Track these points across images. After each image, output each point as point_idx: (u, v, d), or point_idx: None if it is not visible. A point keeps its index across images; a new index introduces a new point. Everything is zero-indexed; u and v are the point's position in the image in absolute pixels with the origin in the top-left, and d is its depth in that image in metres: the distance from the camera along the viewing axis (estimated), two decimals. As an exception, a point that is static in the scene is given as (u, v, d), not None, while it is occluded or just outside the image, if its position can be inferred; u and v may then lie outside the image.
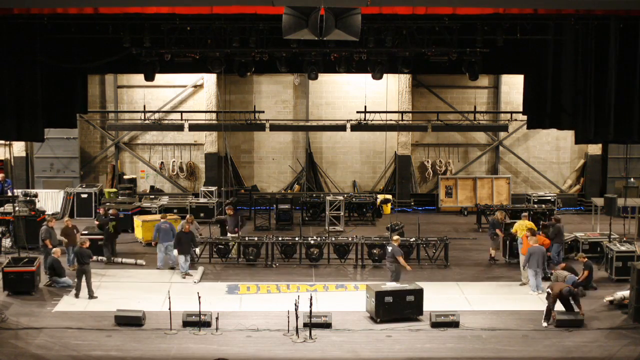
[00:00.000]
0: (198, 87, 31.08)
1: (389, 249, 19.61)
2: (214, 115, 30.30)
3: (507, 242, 22.52)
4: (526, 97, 21.38)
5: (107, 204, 26.02)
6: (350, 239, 23.07)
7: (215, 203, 28.14)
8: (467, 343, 16.67)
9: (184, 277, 20.89)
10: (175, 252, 21.26)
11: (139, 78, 27.43)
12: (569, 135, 29.80)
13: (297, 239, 22.81)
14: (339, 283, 20.82)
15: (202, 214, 27.52)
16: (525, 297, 19.78)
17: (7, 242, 23.54)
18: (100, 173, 31.80)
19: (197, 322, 17.22)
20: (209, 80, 30.51)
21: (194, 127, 28.51)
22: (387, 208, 29.38)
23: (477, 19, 19.57)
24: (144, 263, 22.31)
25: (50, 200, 28.72)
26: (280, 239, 22.65)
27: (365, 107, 27.93)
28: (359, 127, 28.07)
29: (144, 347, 16.36)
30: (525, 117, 22.54)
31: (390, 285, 18.17)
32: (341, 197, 27.35)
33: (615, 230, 23.64)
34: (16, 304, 18.82)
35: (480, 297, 19.70)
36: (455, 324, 17.45)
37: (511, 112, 29.06)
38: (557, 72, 19.82)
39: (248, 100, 30.92)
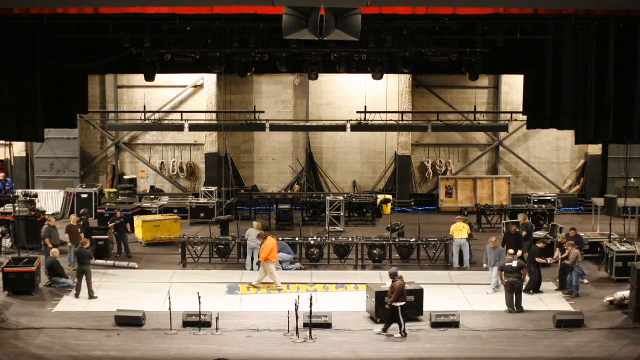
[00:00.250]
0: (198, 87, 31.08)
1: (514, 264, 18.68)
2: (214, 115, 30.30)
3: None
4: (526, 97, 21.38)
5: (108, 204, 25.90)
6: (350, 239, 23.07)
7: (215, 203, 28.14)
8: (467, 343, 16.67)
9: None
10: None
11: (139, 78, 27.44)
12: (569, 135, 29.80)
13: (297, 239, 22.81)
14: (339, 283, 20.82)
15: (202, 214, 27.52)
16: (526, 297, 19.75)
17: (7, 242, 23.54)
18: (100, 173, 31.80)
19: (197, 322, 17.22)
20: (209, 80, 30.52)
21: (194, 127, 28.51)
22: (387, 208, 29.38)
23: (477, 19, 19.57)
24: (135, 266, 22.20)
25: (50, 200, 28.72)
26: (280, 239, 22.63)
27: (365, 107, 27.93)
28: (359, 127, 28.07)
29: (144, 347, 16.36)
30: (525, 117, 22.54)
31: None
32: (341, 197, 27.35)
33: (615, 230, 23.64)
34: (16, 304, 18.81)
35: (480, 297, 19.70)
36: (455, 324, 17.45)
37: (511, 112, 29.06)
38: (557, 72, 19.82)
39: (248, 100, 30.92)
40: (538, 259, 19.91)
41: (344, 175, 31.88)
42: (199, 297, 17.26)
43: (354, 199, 28.49)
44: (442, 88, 31.20)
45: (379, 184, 31.81)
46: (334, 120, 30.30)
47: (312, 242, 22.70)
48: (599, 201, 26.74)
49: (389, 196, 29.88)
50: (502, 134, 31.26)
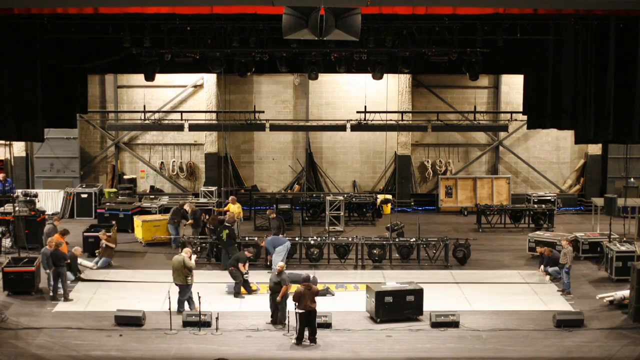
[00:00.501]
0: (198, 87, 31.08)
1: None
2: (214, 115, 30.30)
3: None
4: (526, 97, 21.37)
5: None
6: (350, 239, 23.07)
7: (215, 203, 28.13)
8: (467, 343, 16.68)
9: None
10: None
11: (139, 78, 27.43)
12: (569, 135, 29.79)
13: (297, 239, 22.81)
14: (339, 283, 20.81)
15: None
16: (526, 297, 19.80)
17: (7, 242, 23.54)
18: (100, 173, 31.79)
19: (197, 322, 17.21)
20: (209, 80, 30.51)
21: (194, 127, 28.50)
22: (387, 208, 29.37)
23: (477, 19, 19.57)
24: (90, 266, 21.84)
25: (50, 200, 28.71)
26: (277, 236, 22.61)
27: (365, 107, 27.93)
28: (359, 127, 28.06)
29: (144, 347, 16.37)
30: (525, 117, 22.54)
31: (390, 285, 18.17)
32: (341, 197, 27.34)
33: (615, 230, 23.63)
34: (16, 304, 18.82)
35: (480, 297, 19.71)
36: (455, 324, 17.46)
37: (511, 112, 29.04)
38: (557, 72, 19.82)
39: (248, 100, 30.92)
40: None
41: (344, 175, 31.88)
42: (199, 297, 17.25)
43: (354, 199, 28.48)
44: (442, 88, 31.19)
45: (379, 184, 31.81)
46: (334, 120, 30.29)
47: (312, 242, 22.70)
48: (599, 201, 26.73)
49: (389, 196, 29.87)
50: (502, 134, 31.25)
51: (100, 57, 20.77)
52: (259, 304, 19.11)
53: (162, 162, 31.60)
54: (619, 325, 17.76)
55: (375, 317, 17.73)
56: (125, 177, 31.10)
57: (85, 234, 23.50)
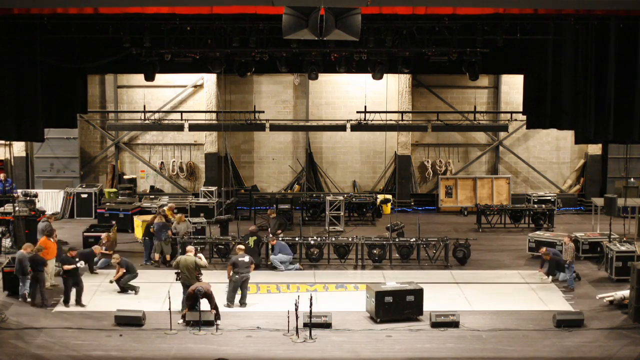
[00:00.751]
0: (198, 87, 31.08)
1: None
2: (214, 115, 30.30)
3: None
4: (526, 97, 21.39)
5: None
6: (350, 239, 23.07)
7: (215, 203, 28.15)
8: (467, 343, 16.68)
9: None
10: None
11: (139, 78, 27.44)
12: (569, 135, 29.79)
13: (297, 239, 22.81)
14: (339, 283, 20.81)
15: (202, 214, 27.49)
16: (526, 297, 19.79)
17: (7, 242, 23.53)
18: (100, 173, 31.79)
19: (197, 322, 17.20)
20: (209, 80, 30.51)
21: (194, 127, 28.49)
22: (387, 208, 29.38)
23: (477, 19, 19.58)
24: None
25: (50, 200, 28.72)
26: (280, 238, 22.61)
27: (365, 107, 27.92)
28: (359, 127, 28.05)
29: (144, 347, 16.36)
30: (525, 117, 22.55)
31: (390, 285, 18.17)
32: (341, 197, 27.34)
33: (615, 230, 23.63)
34: (16, 304, 18.81)
35: (480, 297, 19.70)
36: (455, 324, 17.45)
37: (511, 112, 29.04)
38: (557, 72, 19.83)
39: (248, 100, 30.92)
40: None
41: (344, 175, 31.88)
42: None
43: (354, 199, 28.48)
44: (442, 88, 31.19)
45: (379, 184, 31.81)
46: (334, 120, 30.29)
47: (312, 242, 22.70)
48: (599, 201, 26.73)
49: (389, 196, 29.87)
50: (502, 134, 31.25)
51: (100, 57, 20.79)
52: (259, 304, 19.12)
53: (162, 162, 31.60)
54: (619, 325, 17.76)
55: (375, 317, 17.73)
56: (125, 177, 31.10)
57: (85, 234, 23.51)
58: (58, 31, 19.49)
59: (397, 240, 22.80)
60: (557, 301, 19.43)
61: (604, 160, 30.67)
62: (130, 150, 31.66)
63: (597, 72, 19.06)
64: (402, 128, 29.09)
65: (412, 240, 22.71)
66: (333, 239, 23.22)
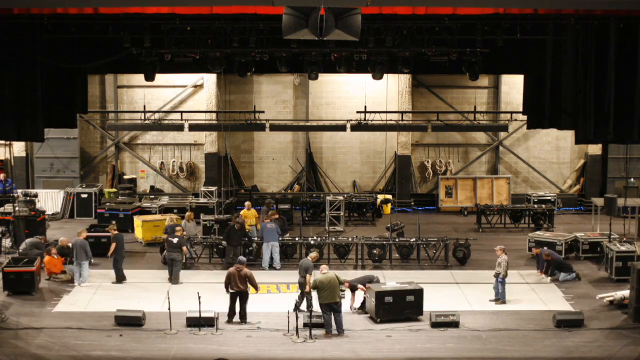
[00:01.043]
0: (198, 87, 31.08)
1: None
2: (214, 115, 30.30)
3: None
4: (526, 97, 21.38)
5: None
6: (350, 239, 23.06)
7: (215, 203, 28.15)
8: (467, 343, 16.67)
9: None
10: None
11: (139, 78, 27.43)
12: (569, 135, 29.79)
13: (297, 239, 22.81)
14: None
15: (202, 214, 27.48)
16: (526, 297, 19.79)
17: (7, 242, 23.54)
18: (100, 173, 31.79)
19: (197, 320, 17.19)
20: (209, 80, 30.51)
21: (194, 127, 28.51)
22: (387, 208, 29.37)
23: (477, 19, 19.58)
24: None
25: (50, 200, 28.72)
26: (280, 239, 22.61)
27: (365, 107, 27.93)
28: (359, 127, 28.06)
29: (144, 347, 16.36)
30: (525, 117, 22.54)
31: (390, 285, 18.17)
32: (341, 197, 27.33)
33: (615, 230, 23.63)
34: (16, 304, 18.81)
35: (480, 297, 19.69)
36: (455, 324, 17.45)
37: (511, 112, 29.04)
38: (557, 72, 19.82)
39: (248, 100, 30.92)
40: None
41: (344, 175, 31.88)
42: (199, 297, 17.24)
43: (354, 199, 28.48)
44: (442, 88, 31.20)
45: (379, 184, 31.81)
46: (334, 120, 30.29)
47: (312, 242, 22.70)
48: (599, 201, 26.73)
49: (389, 196, 29.87)
50: (502, 134, 31.25)
51: (100, 57, 20.77)
52: (259, 304, 19.11)
53: (162, 162, 31.60)
54: (619, 325, 17.75)
55: (375, 317, 17.73)
56: (125, 177, 31.10)
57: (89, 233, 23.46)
58: (58, 31, 19.48)
59: (397, 240, 22.79)
60: (557, 301, 19.43)
61: (604, 160, 30.67)
62: (130, 150, 31.66)
63: (597, 72, 19.04)
64: (402, 128, 29.09)
65: (412, 240, 22.70)
66: (333, 239, 23.22)
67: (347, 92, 31.05)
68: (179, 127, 28.43)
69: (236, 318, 17.68)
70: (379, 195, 29.44)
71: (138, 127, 30.06)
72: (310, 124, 30.90)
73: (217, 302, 18.78)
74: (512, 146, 31.68)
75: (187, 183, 31.67)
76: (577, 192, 31.39)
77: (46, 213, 25.87)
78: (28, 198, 25.80)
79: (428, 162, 31.53)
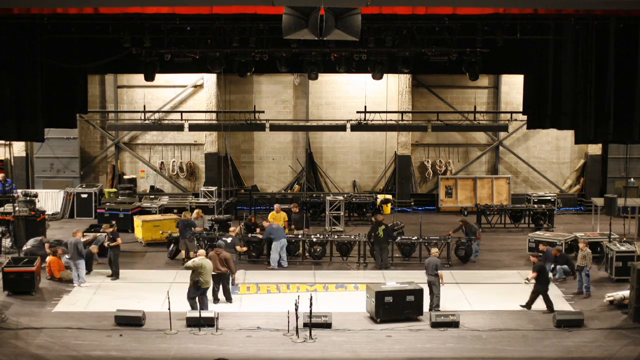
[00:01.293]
0: (198, 87, 31.08)
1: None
2: (214, 115, 30.30)
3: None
4: (526, 97, 21.38)
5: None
6: (352, 236, 23.09)
7: (215, 203, 28.16)
8: (467, 343, 16.67)
9: None
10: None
11: (139, 78, 27.43)
12: (569, 135, 29.79)
13: (300, 236, 22.87)
14: (339, 283, 20.80)
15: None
16: (526, 297, 19.74)
17: (7, 242, 23.54)
18: (100, 173, 31.80)
19: (197, 320, 17.19)
20: (209, 80, 30.51)
21: (194, 127, 28.52)
22: (387, 208, 29.38)
23: (477, 19, 19.58)
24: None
25: (50, 200, 28.72)
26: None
27: (365, 107, 27.94)
28: (359, 127, 28.07)
29: (144, 347, 16.36)
30: (525, 117, 22.54)
31: (390, 285, 18.17)
32: (341, 197, 27.35)
33: (615, 230, 23.63)
34: (16, 304, 18.81)
35: (480, 297, 19.70)
36: (455, 324, 17.45)
37: (511, 112, 29.06)
38: (557, 72, 19.82)
39: (248, 100, 30.92)
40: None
41: (344, 175, 31.88)
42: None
43: (354, 199, 28.49)
44: (442, 88, 31.20)
45: (379, 184, 31.81)
46: (334, 120, 30.30)
47: (314, 239, 22.73)
48: (599, 201, 26.74)
49: (389, 196, 29.88)
50: (502, 134, 31.25)
51: (100, 57, 20.78)
52: (259, 304, 19.13)
53: (162, 162, 31.60)
54: (619, 325, 17.75)
55: (375, 317, 17.72)
56: (125, 177, 31.11)
57: (85, 234, 23.44)
58: (58, 31, 19.48)
59: (399, 238, 22.81)
60: (557, 301, 19.40)
61: (604, 160, 30.68)
62: (130, 150, 31.66)
63: (597, 72, 19.05)
64: (402, 128, 29.10)
65: (414, 238, 22.71)
66: (335, 236, 23.26)
67: (347, 92, 31.05)
68: (179, 127, 28.44)
69: (223, 300, 18.85)
70: (379, 196, 29.45)
71: (138, 127, 30.06)
72: (310, 124, 30.91)
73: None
74: (512, 146, 31.68)
75: (187, 183, 31.67)
76: (577, 192, 31.40)
77: (46, 213, 25.85)
78: (28, 198, 25.79)
79: (428, 162, 31.54)
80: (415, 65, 21.38)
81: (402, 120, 28.65)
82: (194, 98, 31.22)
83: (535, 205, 28.07)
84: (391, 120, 28.20)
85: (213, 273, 18.33)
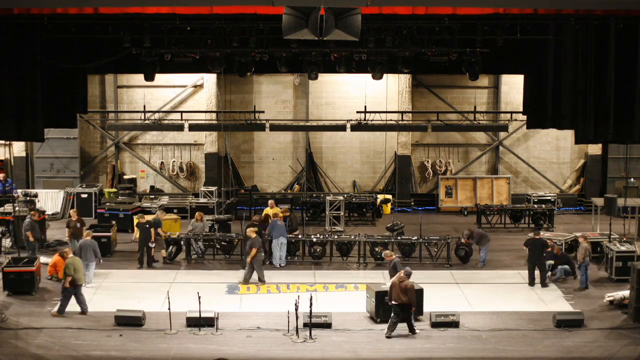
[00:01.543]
0: (198, 87, 31.08)
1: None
2: (214, 115, 30.30)
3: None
4: (526, 97, 21.37)
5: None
6: (353, 236, 23.10)
7: (215, 203, 28.15)
8: (467, 343, 16.67)
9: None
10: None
11: (139, 78, 27.42)
12: (569, 135, 29.79)
13: (300, 236, 22.86)
14: (339, 283, 20.80)
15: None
16: (526, 297, 19.79)
17: (7, 242, 23.55)
18: (100, 173, 31.80)
19: (197, 320, 17.19)
20: (209, 80, 30.51)
21: (194, 127, 28.51)
22: (387, 208, 29.38)
23: (477, 19, 19.58)
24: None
25: (50, 200, 28.71)
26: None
27: (365, 107, 27.94)
28: (359, 127, 28.07)
29: (144, 347, 16.36)
30: (525, 117, 22.54)
31: (391, 285, 18.16)
32: (341, 197, 27.34)
33: (615, 230, 23.64)
34: (16, 304, 18.81)
35: (480, 297, 19.70)
36: (455, 324, 17.45)
37: (511, 112, 29.05)
38: (557, 72, 19.82)
39: (248, 100, 30.92)
40: None
41: (344, 175, 31.88)
42: (199, 297, 17.25)
43: (354, 199, 28.48)
44: (442, 88, 31.20)
45: (379, 184, 31.81)
46: (334, 120, 30.30)
47: (314, 239, 22.73)
48: (599, 201, 26.73)
49: (389, 196, 29.88)
50: (502, 134, 31.25)
51: (100, 57, 20.77)
52: (259, 304, 19.13)
53: (162, 162, 31.60)
54: (619, 325, 17.75)
55: (375, 317, 17.72)
56: (125, 177, 31.11)
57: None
58: (58, 31, 19.49)
59: (399, 238, 22.82)
60: (557, 301, 19.43)
61: (604, 160, 30.67)
62: (130, 150, 31.66)
63: (597, 72, 19.05)
64: (402, 128, 29.10)
65: (414, 238, 22.71)
66: (335, 236, 23.27)
67: (347, 92, 31.05)
68: (179, 127, 28.44)
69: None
70: (379, 195, 29.45)
71: (138, 127, 30.06)
72: (310, 124, 30.91)
73: (217, 302, 18.82)
74: (512, 146, 31.69)
75: (187, 183, 31.67)
76: (577, 192, 31.39)
77: (46, 213, 25.84)
78: (28, 198, 25.80)
79: (428, 162, 31.54)
80: (415, 65, 21.38)
81: (402, 120, 28.65)
82: (194, 98, 31.21)
83: (535, 205, 28.07)
84: (391, 120, 28.20)
85: (394, 303, 16.87)
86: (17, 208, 23.54)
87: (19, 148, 30.15)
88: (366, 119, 27.87)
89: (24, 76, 19.22)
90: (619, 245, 21.22)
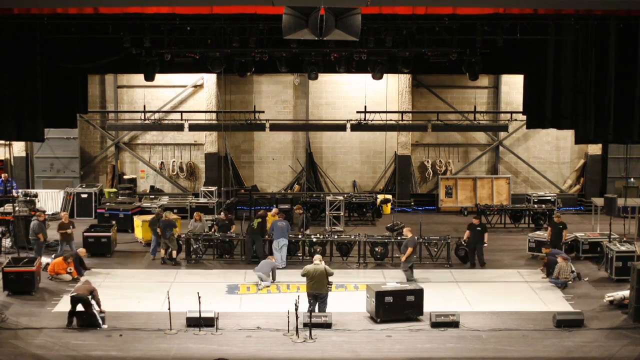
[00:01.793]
0: (198, 87, 31.09)
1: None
2: (214, 115, 30.31)
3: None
4: (526, 97, 21.39)
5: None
6: (353, 236, 23.09)
7: (215, 203, 28.14)
8: (467, 343, 16.67)
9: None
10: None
11: (139, 78, 27.43)
12: (569, 135, 29.80)
13: (300, 236, 22.85)
14: (339, 283, 20.79)
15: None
16: (526, 297, 19.79)
17: (7, 242, 23.54)
18: (100, 173, 31.80)
19: (197, 320, 17.18)
20: (209, 80, 30.51)
21: (194, 127, 28.52)
22: (387, 208, 29.38)
23: (477, 19, 19.58)
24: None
25: (50, 200, 28.72)
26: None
27: (365, 107, 27.93)
28: (359, 127, 28.06)
29: (144, 347, 16.36)
30: (525, 117, 22.54)
31: (391, 285, 18.17)
32: (341, 197, 27.34)
33: (615, 230, 23.63)
34: (16, 304, 18.81)
35: (480, 297, 19.70)
36: (455, 324, 17.45)
37: (511, 112, 29.06)
38: (557, 72, 19.81)
39: (248, 100, 30.93)
40: None
41: (344, 175, 31.88)
42: (199, 297, 17.25)
43: (354, 199, 28.49)
44: (442, 88, 31.20)
45: (379, 184, 31.81)
46: (334, 120, 30.30)
47: (314, 239, 22.73)
48: (599, 201, 26.73)
49: (389, 196, 29.88)
50: (502, 134, 31.26)
51: (100, 57, 20.78)
52: (259, 304, 19.13)
53: (162, 162, 31.61)
54: (619, 325, 17.75)
55: (375, 317, 17.72)
56: (125, 177, 31.11)
57: (85, 234, 23.49)
58: (58, 31, 19.49)
59: (399, 238, 22.81)
60: (557, 301, 19.43)
61: (604, 160, 30.68)
62: (130, 150, 31.66)
63: (597, 72, 19.04)
64: (402, 128, 29.10)
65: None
66: (335, 236, 23.27)
67: (347, 92, 31.05)
68: (179, 127, 28.44)
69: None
70: (379, 196, 29.45)
71: (138, 127, 30.06)
72: (310, 124, 30.91)
73: (217, 302, 18.82)
74: (512, 146, 31.69)
75: (187, 183, 31.67)
76: (577, 192, 31.40)
77: (46, 213, 25.80)
78: (28, 198, 25.80)
79: (428, 162, 31.54)
80: (415, 65, 21.39)
81: (402, 120, 28.65)
82: (194, 98, 31.22)
83: (535, 205, 28.08)
84: (391, 120, 28.19)
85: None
86: (17, 208, 23.53)
87: (19, 148, 30.16)
88: (366, 119, 27.86)
89: (24, 76, 19.22)
90: (619, 245, 21.21)
